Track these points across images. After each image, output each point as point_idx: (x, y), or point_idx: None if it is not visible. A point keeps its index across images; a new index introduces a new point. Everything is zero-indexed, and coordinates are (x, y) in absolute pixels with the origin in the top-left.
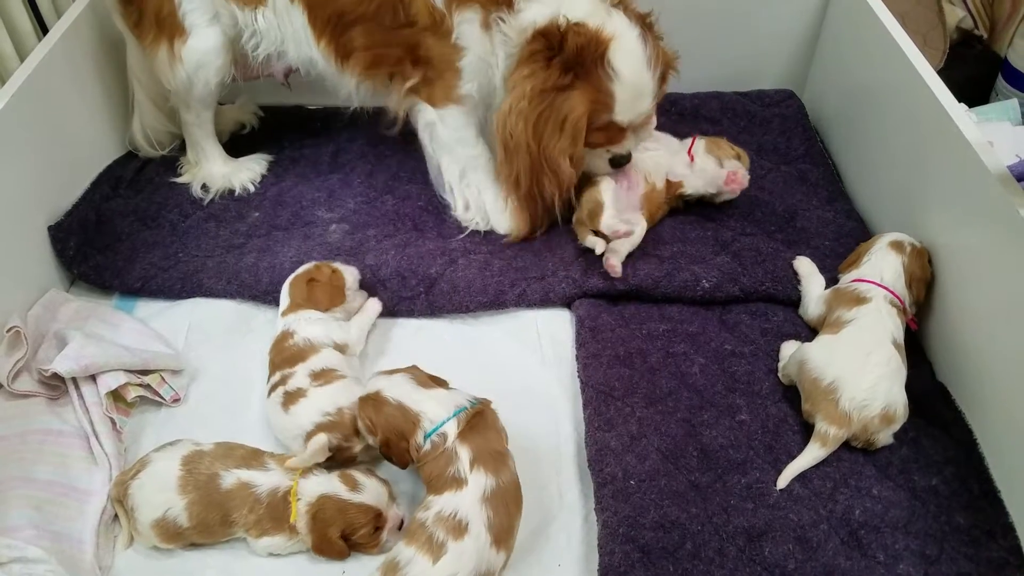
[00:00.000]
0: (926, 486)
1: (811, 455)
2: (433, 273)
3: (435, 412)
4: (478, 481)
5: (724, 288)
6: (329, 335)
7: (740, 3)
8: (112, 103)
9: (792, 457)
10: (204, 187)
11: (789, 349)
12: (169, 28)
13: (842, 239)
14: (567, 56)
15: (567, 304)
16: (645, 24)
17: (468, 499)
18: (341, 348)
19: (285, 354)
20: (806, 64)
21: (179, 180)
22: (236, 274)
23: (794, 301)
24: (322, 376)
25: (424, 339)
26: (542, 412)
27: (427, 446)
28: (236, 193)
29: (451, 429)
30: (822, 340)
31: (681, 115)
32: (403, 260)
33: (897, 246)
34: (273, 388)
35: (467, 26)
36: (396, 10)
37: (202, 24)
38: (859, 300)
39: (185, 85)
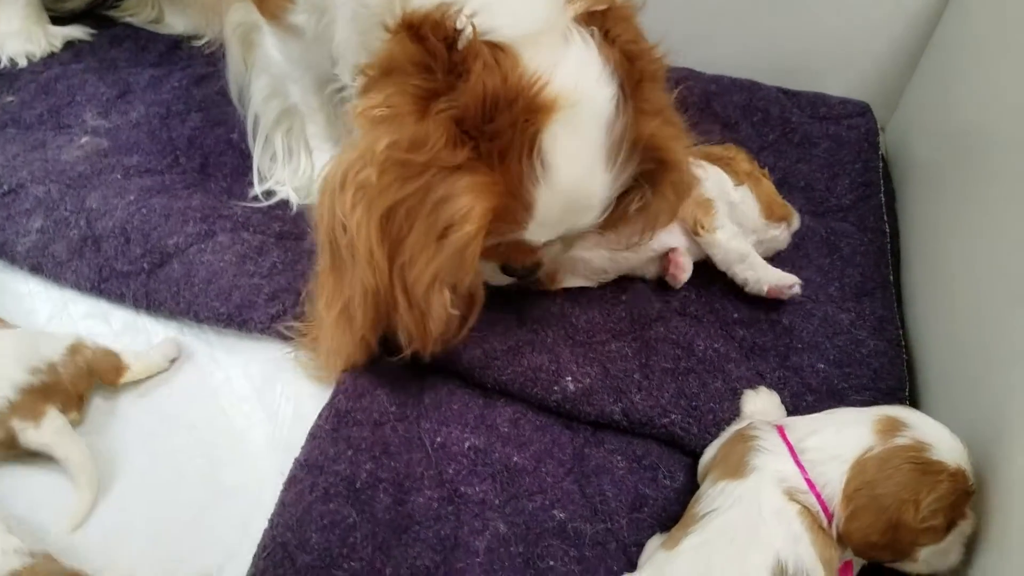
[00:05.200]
0: None
1: None
2: (170, 245)
3: None
4: None
5: (597, 400)
6: None
7: None
8: None
9: None
10: None
11: (652, 550)
12: None
13: (852, 367)
14: (467, 108)
15: None
16: (630, 65)
17: None
18: None
19: None
20: (906, 70)
21: None
22: None
23: None
24: None
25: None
26: (244, 508)
27: None
28: (1, 65)
29: None
30: (655, 561)
31: (682, 103)
32: (139, 213)
33: (887, 427)
34: None
35: None
36: None
37: None
38: (739, 467)
39: None
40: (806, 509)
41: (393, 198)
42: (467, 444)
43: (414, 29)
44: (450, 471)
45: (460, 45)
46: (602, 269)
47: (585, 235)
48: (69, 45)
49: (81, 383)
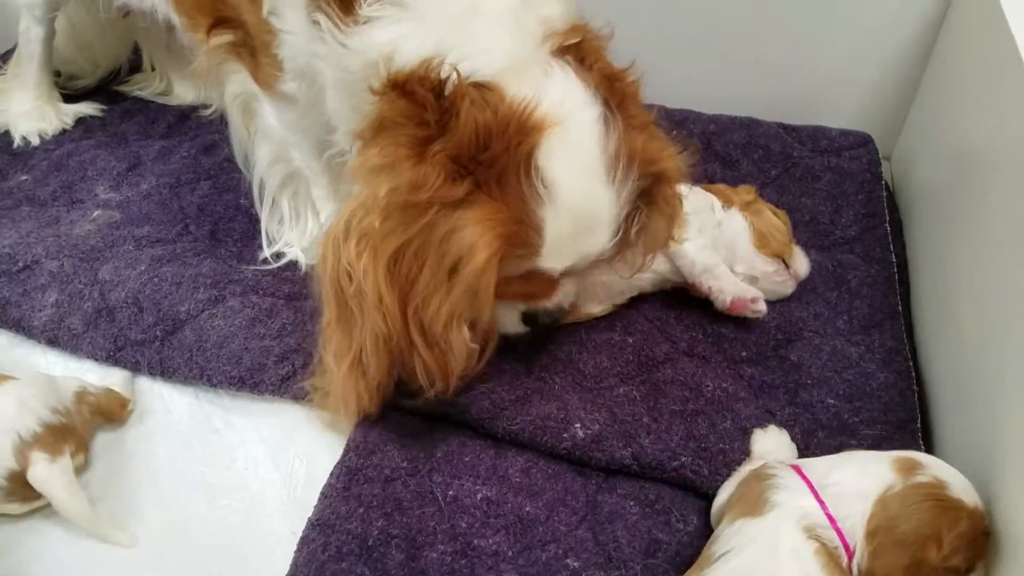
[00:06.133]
0: None
1: None
2: (182, 312)
3: None
4: None
5: (607, 446)
6: None
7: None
8: None
9: None
10: None
11: None
12: None
13: (862, 401)
14: (461, 144)
15: None
16: (610, 86)
17: None
18: None
19: None
20: (905, 97)
21: None
22: None
23: None
24: None
25: (146, 410)
26: (259, 570)
27: None
28: (15, 144)
29: None
30: None
31: (683, 145)
32: (150, 282)
33: (905, 466)
34: None
35: (284, 6)
36: None
37: None
38: (758, 505)
39: None
40: (823, 547)
41: (398, 241)
42: (479, 496)
43: (400, 87)
44: (463, 524)
45: (447, 91)
46: (619, 291)
47: (599, 265)
48: (80, 121)
49: (88, 427)
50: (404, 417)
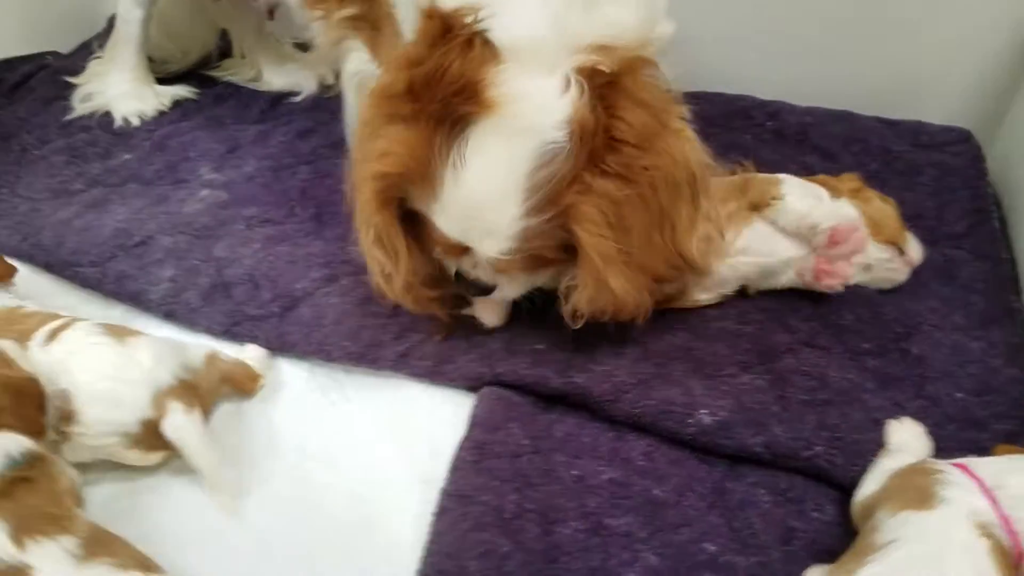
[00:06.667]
0: None
1: None
2: (299, 290)
3: None
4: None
5: (736, 433)
6: None
7: None
8: None
9: None
10: (86, 97)
11: None
12: None
13: (991, 396)
14: (425, 74)
15: (473, 387)
16: (594, 137)
17: None
18: None
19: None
20: (1005, 96)
21: (74, 80)
22: (39, 230)
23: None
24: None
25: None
26: (384, 542)
27: None
28: (116, 124)
29: None
30: None
31: (778, 135)
32: (265, 261)
33: None
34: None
35: None
36: None
37: None
38: (925, 498)
39: None
40: (997, 546)
41: (368, 128)
42: (605, 476)
43: (431, 13)
44: (591, 504)
45: (459, 31)
46: (722, 280)
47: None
48: (176, 104)
49: (213, 395)
50: (520, 396)
